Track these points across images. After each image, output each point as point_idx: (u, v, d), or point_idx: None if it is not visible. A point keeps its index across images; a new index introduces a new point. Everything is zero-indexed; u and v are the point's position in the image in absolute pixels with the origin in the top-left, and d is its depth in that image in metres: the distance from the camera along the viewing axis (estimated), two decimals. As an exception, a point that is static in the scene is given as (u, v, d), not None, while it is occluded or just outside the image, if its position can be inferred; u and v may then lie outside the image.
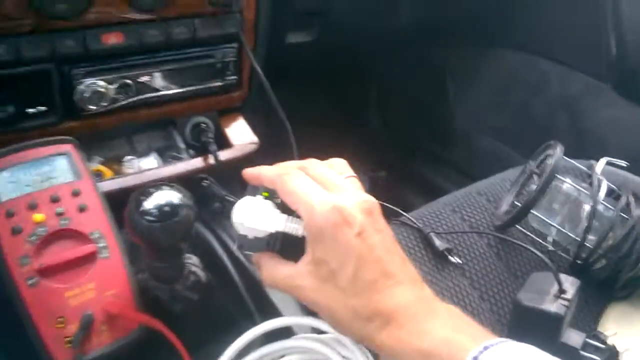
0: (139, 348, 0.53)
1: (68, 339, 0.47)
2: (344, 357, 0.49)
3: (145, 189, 0.47)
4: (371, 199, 0.43)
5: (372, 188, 1.19)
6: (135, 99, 0.66)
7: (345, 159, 0.51)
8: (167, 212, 0.46)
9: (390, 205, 0.75)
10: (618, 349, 0.61)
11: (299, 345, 0.51)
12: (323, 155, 0.60)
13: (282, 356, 0.52)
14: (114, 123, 0.67)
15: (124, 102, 0.65)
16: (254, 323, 0.51)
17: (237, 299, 0.61)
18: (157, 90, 0.67)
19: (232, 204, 0.46)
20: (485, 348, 0.38)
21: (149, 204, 0.46)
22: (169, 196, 0.47)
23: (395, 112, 1.39)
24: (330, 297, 0.41)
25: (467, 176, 0.94)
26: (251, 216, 0.42)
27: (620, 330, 0.64)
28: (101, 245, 0.52)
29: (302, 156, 0.84)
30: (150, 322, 0.49)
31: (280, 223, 0.43)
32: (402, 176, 1.20)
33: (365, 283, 0.40)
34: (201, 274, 0.56)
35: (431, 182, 1.15)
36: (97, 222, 0.53)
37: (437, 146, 1.20)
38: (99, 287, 0.50)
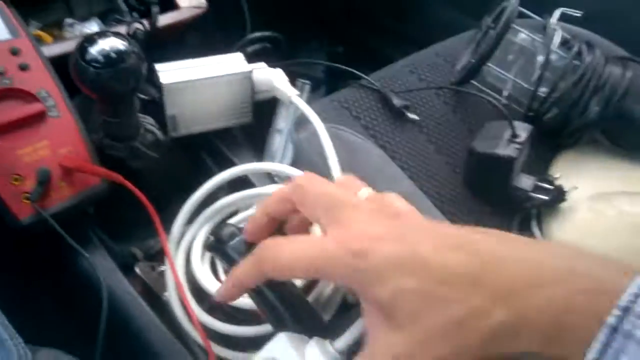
0: (102, 204, 0.53)
1: (27, 194, 0.46)
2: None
3: (89, 36, 0.45)
4: None
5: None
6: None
7: (302, 33, 0.49)
8: (114, 59, 0.44)
9: (349, 69, 0.76)
10: (565, 189, 0.65)
11: (260, 192, 0.52)
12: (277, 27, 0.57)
13: (250, 206, 0.53)
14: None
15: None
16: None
17: (196, 160, 0.61)
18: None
19: None
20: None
21: (94, 50, 0.44)
22: (115, 43, 0.44)
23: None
24: None
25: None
26: None
27: (567, 174, 0.68)
28: (49, 104, 0.50)
29: (255, 28, 0.81)
30: (111, 176, 0.48)
31: None
32: (357, 52, 1.18)
33: None
34: (158, 133, 0.55)
35: (388, 57, 1.13)
36: (41, 80, 0.50)
37: (391, 20, 1.17)
38: (52, 144, 0.48)
